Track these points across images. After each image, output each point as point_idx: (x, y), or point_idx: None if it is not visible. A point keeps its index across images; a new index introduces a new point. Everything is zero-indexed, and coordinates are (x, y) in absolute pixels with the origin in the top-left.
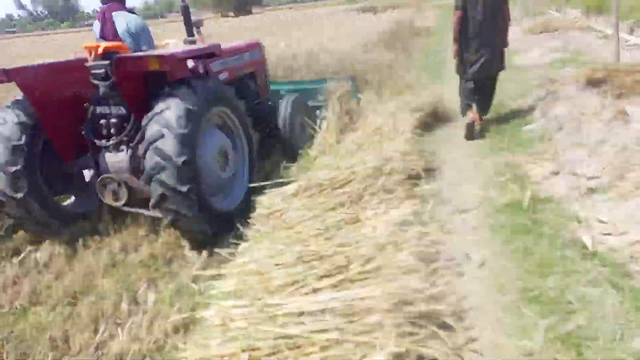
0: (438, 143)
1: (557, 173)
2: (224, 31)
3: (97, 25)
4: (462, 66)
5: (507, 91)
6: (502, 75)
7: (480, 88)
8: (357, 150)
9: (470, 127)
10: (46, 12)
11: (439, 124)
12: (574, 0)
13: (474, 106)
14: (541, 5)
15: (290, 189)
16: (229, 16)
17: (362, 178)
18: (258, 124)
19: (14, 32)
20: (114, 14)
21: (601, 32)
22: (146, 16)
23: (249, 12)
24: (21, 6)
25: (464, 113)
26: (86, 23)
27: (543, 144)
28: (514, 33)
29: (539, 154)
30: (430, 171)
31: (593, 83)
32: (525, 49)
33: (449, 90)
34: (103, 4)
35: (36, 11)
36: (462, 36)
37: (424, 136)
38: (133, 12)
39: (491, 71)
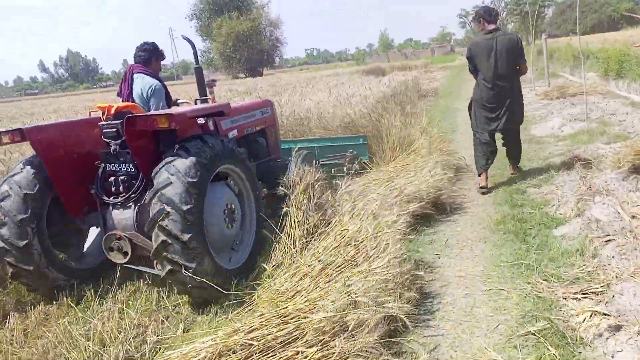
0: (439, 248)
1: (617, 329)
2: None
3: (121, 84)
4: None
5: (528, 172)
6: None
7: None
8: (318, 277)
9: (481, 189)
10: (67, 75)
11: (444, 214)
12: (589, 63)
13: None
14: (554, 67)
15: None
16: (239, 78)
17: (313, 335)
18: (268, 181)
19: (35, 94)
20: (134, 75)
21: (626, 99)
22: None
23: (260, 74)
24: (44, 69)
25: (478, 173)
26: (104, 84)
27: (585, 264)
28: (527, 97)
29: (582, 285)
30: (422, 306)
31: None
32: (543, 116)
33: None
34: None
35: (57, 74)
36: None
37: (420, 235)
38: (153, 75)
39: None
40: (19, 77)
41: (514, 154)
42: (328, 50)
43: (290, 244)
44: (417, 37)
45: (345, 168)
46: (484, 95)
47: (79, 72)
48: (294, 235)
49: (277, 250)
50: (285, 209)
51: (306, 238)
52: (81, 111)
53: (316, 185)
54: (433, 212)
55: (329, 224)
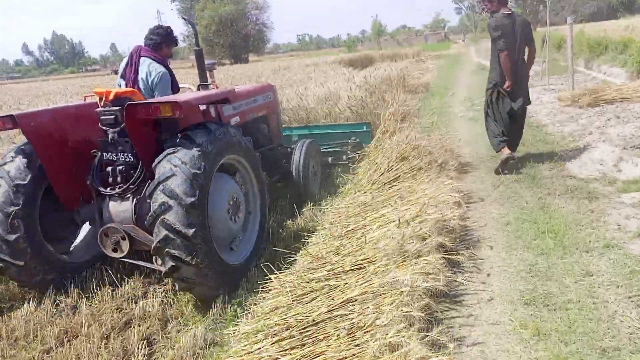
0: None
1: None
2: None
3: (123, 64)
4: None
5: (596, 274)
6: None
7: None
8: None
9: (507, 160)
10: (52, 58)
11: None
12: (610, 56)
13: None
14: (563, 59)
15: None
16: (224, 64)
17: None
18: (270, 169)
19: (15, 78)
20: (141, 58)
21: None
22: None
23: (245, 61)
24: (28, 52)
25: (498, 149)
26: (90, 68)
27: None
28: (544, 103)
29: None
30: None
31: None
32: (578, 136)
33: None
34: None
35: (42, 57)
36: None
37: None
38: (161, 61)
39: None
40: (4, 60)
41: (515, 138)
42: (321, 36)
43: None
44: (411, 24)
45: (344, 156)
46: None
47: (64, 56)
48: None
49: None
50: None
51: None
52: (57, 97)
53: None
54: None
55: None
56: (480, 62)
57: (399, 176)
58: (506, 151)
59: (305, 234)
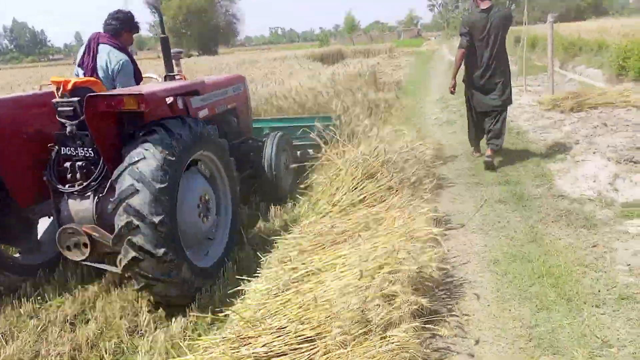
0: None
1: None
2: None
3: (80, 51)
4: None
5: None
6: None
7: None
8: None
9: (489, 164)
10: (12, 47)
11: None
12: (585, 57)
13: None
14: (537, 58)
15: None
16: (192, 55)
17: None
18: (240, 164)
19: None
20: (100, 45)
21: None
22: None
23: (214, 53)
24: None
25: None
26: (51, 57)
27: None
28: (523, 106)
29: None
30: None
31: None
32: (564, 146)
33: None
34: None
35: (1, 45)
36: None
37: None
38: (121, 48)
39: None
40: None
41: (496, 134)
42: (294, 30)
43: None
44: (384, 20)
45: (311, 151)
46: (478, 73)
47: (25, 44)
48: None
49: None
50: None
51: None
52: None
53: None
54: None
55: None
56: (452, 59)
57: (365, 197)
58: (476, 152)
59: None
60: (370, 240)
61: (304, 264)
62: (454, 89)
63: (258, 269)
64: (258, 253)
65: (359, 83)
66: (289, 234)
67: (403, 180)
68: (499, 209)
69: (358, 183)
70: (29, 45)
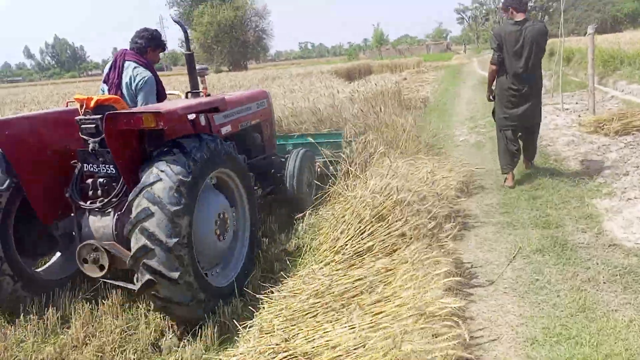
0: None
1: None
2: None
3: (107, 68)
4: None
5: None
6: None
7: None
8: None
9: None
10: (53, 62)
11: None
12: (627, 71)
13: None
14: (573, 73)
15: None
16: (222, 71)
17: None
18: (263, 180)
19: (13, 81)
20: (126, 62)
21: None
22: None
23: (245, 68)
24: (30, 56)
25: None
26: (90, 73)
27: None
28: (560, 127)
29: None
30: None
31: None
32: (609, 178)
33: None
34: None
35: (43, 61)
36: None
37: None
38: (146, 66)
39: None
40: (6, 63)
41: (530, 151)
42: (323, 45)
43: None
44: (413, 34)
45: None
46: (509, 89)
47: (66, 60)
48: None
49: None
50: None
51: None
52: (47, 102)
53: None
54: None
55: None
56: (483, 74)
57: (373, 246)
58: (509, 182)
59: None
60: (372, 310)
61: (287, 342)
62: (493, 97)
63: (237, 335)
64: (249, 306)
65: (380, 102)
66: (280, 290)
67: (419, 226)
68: (537, 262)
69: (366, 226)
70: (69, 61)
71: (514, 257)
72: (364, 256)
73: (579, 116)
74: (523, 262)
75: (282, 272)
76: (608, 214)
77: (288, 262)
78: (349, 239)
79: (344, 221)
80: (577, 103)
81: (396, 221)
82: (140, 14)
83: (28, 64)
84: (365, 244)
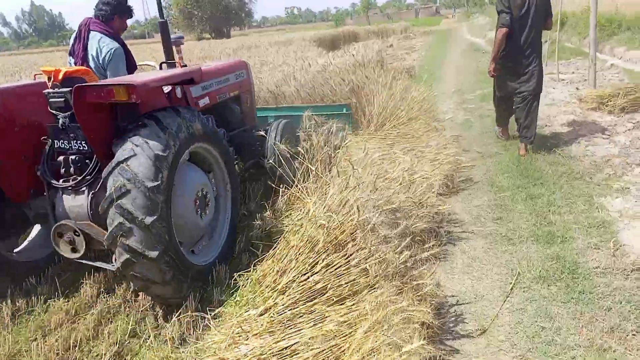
0: None
1: None
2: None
3: (72, 39)
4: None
5: None
6: None
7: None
8: None
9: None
10: (31, 30)
11: None
12: (626, 36)
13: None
14: (567, 38)
15: None
16: (204, 38)
17: None
18: (243, 153)
19: None
20: (90, 33)
21: None
22: (132, 36)
23: (227, 35)
24: (5, 23)
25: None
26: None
27: None
28: (557, 102)
29: None
30: None
31: None
32: (619, 169)
33: None
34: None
35: (20, 29)
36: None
37: None
38: (113, 35)
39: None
40: None
41: (527, 125)
42: (310, 10)
43: None
44: None
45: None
46: (510, 54)
47: (44, 28)
48: None
49: None
50: None
51: None
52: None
53: None
54: None
55: None
56: (472, 40)
57: (327, 287)
58: (504, 134)
59: None
60: None
61: None
62: (495, 72)
63: None
64: None
65: (358, 75)
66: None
67: (386, 261)
68: (541, 297)
69: (319, 256)
70: (47, 29)
71: (511, 288)
72: (314, 301)
73: (577, 89)
74: (523, 298)
75: (210, 320)
76: (623, 220)
77: (224, 296)
78: (298, 274)
79: (294, 246)
80: (573, 72)
81: (358, 250)
82: None
83: (5, 33)
84: (316, 283)
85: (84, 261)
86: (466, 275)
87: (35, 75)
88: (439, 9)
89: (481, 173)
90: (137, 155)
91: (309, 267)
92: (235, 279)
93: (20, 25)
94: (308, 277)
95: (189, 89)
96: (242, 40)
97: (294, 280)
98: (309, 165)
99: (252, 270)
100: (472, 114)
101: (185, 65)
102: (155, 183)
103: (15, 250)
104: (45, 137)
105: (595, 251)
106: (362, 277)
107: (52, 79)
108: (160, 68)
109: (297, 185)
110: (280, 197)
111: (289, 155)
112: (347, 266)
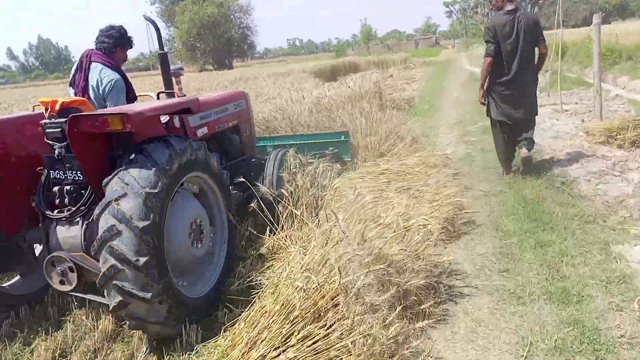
0: None
1: None
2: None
3: (73, 70)
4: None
5: None
6: None
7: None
8: None
9: (528, 160)
10: (37, 63)
11: None
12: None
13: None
14: (568, 67)
15: None
16: (204, 70)
17: None
18: (241, 183)
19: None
20: (92, 64)
21: None
22: (136, 68)
23: (230, 67)
24: (13, 57)
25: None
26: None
27: None
28: (562, 135)
29: None
30: None
31: None
32: (634, 210)
33: None
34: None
35: (27, 62)
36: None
37: None
38: (114, 67)
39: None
40: None
41: (529, 142)
42: (312, 41)
43: None
44: (402, 28)
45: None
46: (504, 82)
47: (50, 61)
48: None
49: None
50: None
51: None
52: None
53: None
54: None
55: None
56: (472, 70)
57: None
58: (508, 174)
59: None
60: None
61: None
62: (485, 99)
63: None
64: None
65: (355, 107)
66: None
67: (372, 336)
68: None
69: (295, 327)
70: (54, 62)
71: None
72: None
73: (583, 121)
74: None
75: None
76: None
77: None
78: (269, 349)
79: (267, 312)
80: (577, 103)
81: (340, 319)
82: (126, 10)
83: (13, 66)
84: None
85: (77, 294)
86: (470, 343)
87: (34, 106)
88: (438, 39)
89: (485, 215)
90: (127, 195)
91: (283, 340)
92: (205, 346)
93: (27, 58)
94: (280, 354)
95: (187, 119)
96: (243, 71)
97: (265, 357)
98: (293, 210)
99: (221, 336)
100: (473, 147)
101: (184, 96)
102: (147, 222)
103: (8, 283)
104: (42, 167)
105: (618, 314)
106: (344, 355)
107: (49, 109)
108: (158, 98)
109: (279, 233)
110: (264, 243)
111: (271, 199)
112: (326, 340)
